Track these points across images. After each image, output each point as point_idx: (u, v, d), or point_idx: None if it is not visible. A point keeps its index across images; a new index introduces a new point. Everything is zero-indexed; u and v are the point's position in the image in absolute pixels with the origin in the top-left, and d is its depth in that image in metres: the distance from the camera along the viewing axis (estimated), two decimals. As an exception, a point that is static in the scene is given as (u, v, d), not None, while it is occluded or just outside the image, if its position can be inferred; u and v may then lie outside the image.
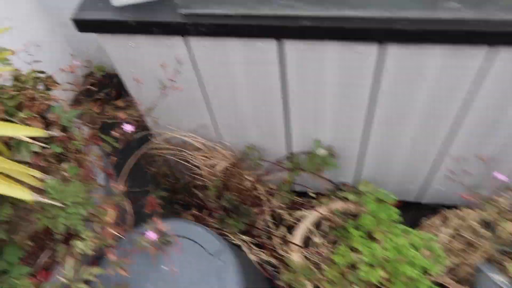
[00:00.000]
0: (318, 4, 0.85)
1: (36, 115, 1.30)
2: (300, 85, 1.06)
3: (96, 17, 0.98)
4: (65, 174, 1.16)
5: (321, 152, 1.22)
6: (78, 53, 2.15)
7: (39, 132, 0.91)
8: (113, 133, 1.21)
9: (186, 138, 1.34)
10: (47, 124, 1.29)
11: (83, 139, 1.22)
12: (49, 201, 0.89)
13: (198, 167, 1.39)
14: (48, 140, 1.27)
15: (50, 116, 1.23)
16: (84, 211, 0.99)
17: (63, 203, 0.99)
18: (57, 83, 1.47)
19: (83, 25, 1.00)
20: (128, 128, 1.09)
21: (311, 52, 0.95)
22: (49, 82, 1.39)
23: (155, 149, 1.44)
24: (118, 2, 0.99)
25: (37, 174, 0.83)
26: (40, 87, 1.37)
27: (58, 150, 1.24)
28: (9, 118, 1.19)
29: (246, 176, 1.43)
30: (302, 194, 1.50)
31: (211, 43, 1.00)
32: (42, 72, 1.39)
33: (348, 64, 0.96)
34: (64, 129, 1.29)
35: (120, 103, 2.10)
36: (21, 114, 1.23)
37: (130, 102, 2.00)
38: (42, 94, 1.26)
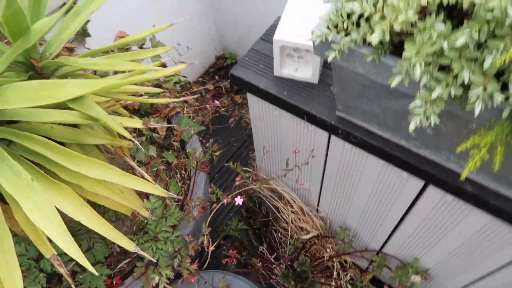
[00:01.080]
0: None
1: (163, 120, 1.35)
2: (426, 215, 0.95)
3: (253, 82, 0.95)
4: (167, 193, 1.21)
5: (416, 279, 1.11)
6: (219, 37, 2.18)
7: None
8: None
9: (285, 195, 1.31)
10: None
11: (195, 161, 1.24)
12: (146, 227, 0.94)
13: (286, 222, 1.37)
14: (164, 148, 1.33)
15: (177, 129, 1.27)
16: (172, 248, 1.04)
17: (156, 238, 1.04)
18: (192, 89, 1.50)
19: (237, 81, 0.98)
20: (239, 200, 1.07)
21: (455, 205, 0.85)
22: (185, 88, 1.43)
23: (253, 185, 1.44)
24: (279, 72, 0.95)
25: (161, 191, 0.86)
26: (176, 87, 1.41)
27: (171, 158, 1.29)
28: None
29: (327, 248, 1.38)
30: (377, 282, 1.42)
31: (354, 150, 0.92)
32: (184, 77, 1.42)
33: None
34: (181, 141, 1.33)
35: (238, 98, 2.11)
36: (152, 121, 1.28)
37: (246, 99, 2.01)
38: (175, 100, 1.28)
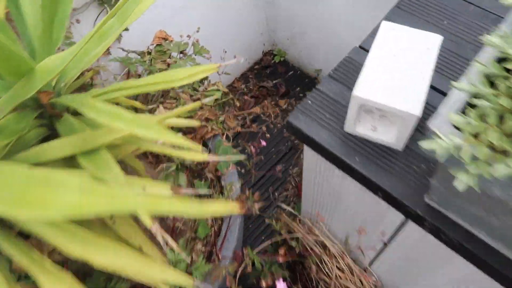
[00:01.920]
0: None
1: (198, 142, 1.16)
2: None
3: (315, 138, 0.74)
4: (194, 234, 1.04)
5: None
6: (269, 31, 1.93)
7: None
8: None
9: (332, 248, 1.11)
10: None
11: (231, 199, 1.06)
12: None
13: (329, 276, 1.17)
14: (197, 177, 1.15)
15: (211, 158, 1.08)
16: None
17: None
18: (235, 104, 1.30)
19: (295, 132, 0.76)
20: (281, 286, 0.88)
21: None
22: (227, 103, 1.23)
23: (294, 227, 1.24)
24: (351, 129, 0.73)
25: (186, 282, 0.69)
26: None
27: (203, 190, 1.11)
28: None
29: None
30: None
31: (439, 244, 0.70)
32: (227, 92, 1.21)
33: None
34: (215, 171, 1.14)
35: (283, 103, 1.88)
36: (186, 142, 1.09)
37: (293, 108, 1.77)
38: (214, 119, 1.09)
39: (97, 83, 1.04)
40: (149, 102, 1.22)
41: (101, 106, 0.63)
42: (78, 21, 1.14)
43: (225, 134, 1.13)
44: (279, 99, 1.92)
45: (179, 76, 0.67)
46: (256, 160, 1.48)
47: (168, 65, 1.13)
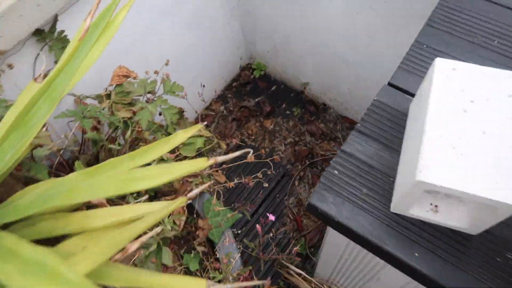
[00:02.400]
0: None
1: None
2: None
3: (349, 224, 0.52)
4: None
5: None
6: (246, 44, 1.71)
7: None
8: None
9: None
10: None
11: (230, 275, 0.84)
12: None
13: None
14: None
15: (202, 226, 0.85)
16: None
17: None
18: (222, 149, 1.08)
19: (321, 216, 0.55)
20: None
21: None
22: (212, 150, 1.00)
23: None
24: (402, 211, 0.52)
25: None
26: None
27: (194, 266, 0.89)
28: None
29: None
30: None
31: None
32: (210, 132, 0.99)
33: None
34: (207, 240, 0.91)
35: (269, 124, 1.66)
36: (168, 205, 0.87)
37: (280, 128, 1.52)
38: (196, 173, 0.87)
39: (38, 156, 0.78)
40: (113, 157, 0.98)
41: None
42: (10, 66, 0.88)
43: (215, 192, 0.91)
44: (264, 119, 1.70)
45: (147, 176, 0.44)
46: (264, 240, 1.22)
47: (134, 112, 0.89)
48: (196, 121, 1.63)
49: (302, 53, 1.51)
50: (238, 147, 1.64)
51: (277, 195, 1.54)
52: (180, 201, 0.49)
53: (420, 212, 0.51)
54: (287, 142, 1.64)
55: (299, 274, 1.00)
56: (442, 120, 0.45)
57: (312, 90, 1.68)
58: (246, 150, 0.51)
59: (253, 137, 1.67)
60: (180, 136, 0.66)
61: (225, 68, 1.70)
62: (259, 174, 0.93)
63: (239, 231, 1.42)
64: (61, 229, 0.48)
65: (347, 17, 1.21)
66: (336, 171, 0.56)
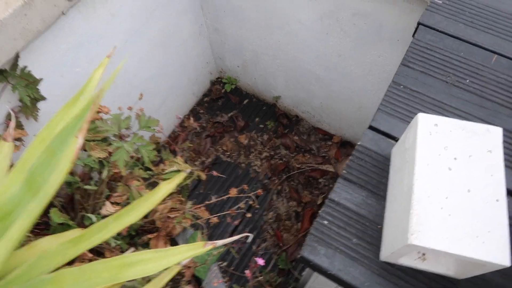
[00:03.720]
0: None
1: (165, 242, 0.92)
2: None
3: (341, 275, 0.53)
4: None
5: None
6: (215, 59, 1.69)
7: None
8: None
9: None
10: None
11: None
12: None
13: None
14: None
15: (188, 264, 0.84)
16: None
17: None
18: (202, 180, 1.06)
19: (314, 268, 0.56)
20: None
21: None
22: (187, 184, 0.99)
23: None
24: (391, 259, 0.53)
25: None
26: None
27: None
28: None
29: None
30: None
31: None
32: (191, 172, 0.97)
33: None
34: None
35: (243, 139, 1.66)
36: (151, 241, 0.86)
37: (255, 142, 1.51)
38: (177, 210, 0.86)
39: None
40: (90, 197, 0.94)
41: None
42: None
43: (202, 229, 0.90)
44: (238, 134, 1.69)
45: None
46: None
47: (110, 153, 0.86)
48: (168, 141, 1.60)
49: (273, 69, 1.52)
50: (213, 165, 1.63)
51: (256, 211, 1.55)
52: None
53: (409, 261, 0.53)
54: (263, 157, 1.65)
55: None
56: (429, 180, 0.46)
57: (284, 103, 1.69)
58: (246, 234, 0.51)
59: (228, 153, 1.66)
60: (164, 189, 0.65)
61: (195, 84, 1.68)
62: (242, 205, 0.93)
63: (225, 263, 1.41)
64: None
65: (317, 38, 1.22)
66: (325, 221, 0.57)
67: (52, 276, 0.42)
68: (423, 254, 0.53)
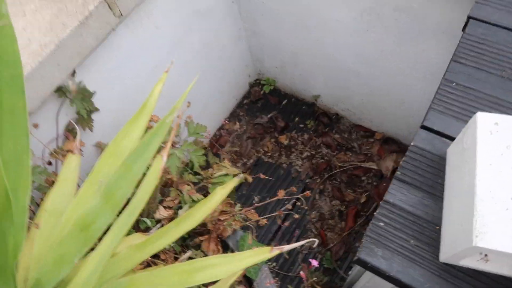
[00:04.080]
0: None
1: (216, 244, 0.95)
2: None
3: (400, 277, 0.53)
4: None
5: None
6: (253, 62, 1.71)
7: None
8: None
9: None
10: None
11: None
12: None
13: None
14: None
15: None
16: None
17: None
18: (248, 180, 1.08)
19: (371, 270, 0.56)
20: None
21: None
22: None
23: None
24: (452, 259, 0.53)
25: None
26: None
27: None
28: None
29: None
30: None
31: None
32: (237, 173, 0.99)
33: None
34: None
35: (284, 139, 1.67)
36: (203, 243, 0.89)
37: (295, 142, 1.52)
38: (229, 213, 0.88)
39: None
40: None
41: None
42: (35, 126, 0.89)
43: (252, 231, 0.92)
44: (279, 135, 1.71)
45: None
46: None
47: (162, 160, 0.90)
48: (210, 144, 1.64)
49: (311, 68, 1.52)
50: (255, 166, 1.65)
51: (299, 210, 1.55)
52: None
53: (471, 262, 0.52)
54: (304, 156, 1.65)
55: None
56: (492, 181, 0.46)
57: (323, 102, 1.69)
58: (312, 240, 0.52)
59: (269, 154, 1.68)
60: (219, 194, 0.67)
61: (234, 87, 1.71)
62: (289, 206, 0.94)
63: (274, 264, 1.43)
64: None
65: (356, 35, 1.21)
66: (381, 223, 0.57)
67: (127, 280, 0.46)
68: (486, 255, 0.52)
